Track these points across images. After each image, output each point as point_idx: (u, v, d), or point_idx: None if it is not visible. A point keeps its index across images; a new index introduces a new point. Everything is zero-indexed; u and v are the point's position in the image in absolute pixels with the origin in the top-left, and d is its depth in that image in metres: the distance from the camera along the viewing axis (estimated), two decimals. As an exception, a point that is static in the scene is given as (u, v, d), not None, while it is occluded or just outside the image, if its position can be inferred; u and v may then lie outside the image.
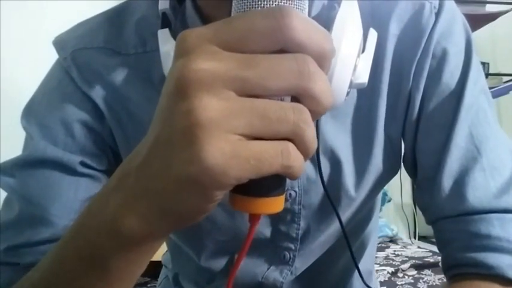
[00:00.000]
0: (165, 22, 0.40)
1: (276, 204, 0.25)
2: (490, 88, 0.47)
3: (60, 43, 0.49)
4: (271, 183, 0.24)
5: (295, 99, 0.23)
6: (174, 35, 0.38)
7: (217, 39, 0.22)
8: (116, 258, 0.27)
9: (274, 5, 0.24)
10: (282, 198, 0.26)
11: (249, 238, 0.27)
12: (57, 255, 0.30)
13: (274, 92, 0.22)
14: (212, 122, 0.21)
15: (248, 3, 0.24)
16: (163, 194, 0.23)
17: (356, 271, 0.60)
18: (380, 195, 0.60)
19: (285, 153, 0.22)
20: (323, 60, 0.23)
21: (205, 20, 0.43)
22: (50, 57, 0.50)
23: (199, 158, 0.21)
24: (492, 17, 1.87)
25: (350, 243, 0.50)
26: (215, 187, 0.22)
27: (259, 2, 0.24)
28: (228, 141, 0.21)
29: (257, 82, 0.22)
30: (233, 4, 0.25)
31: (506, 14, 1.87)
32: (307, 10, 0.26)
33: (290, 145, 0.23)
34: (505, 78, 2.13)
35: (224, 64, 0.22)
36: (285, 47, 0.22)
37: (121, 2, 0.51)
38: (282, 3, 0.24)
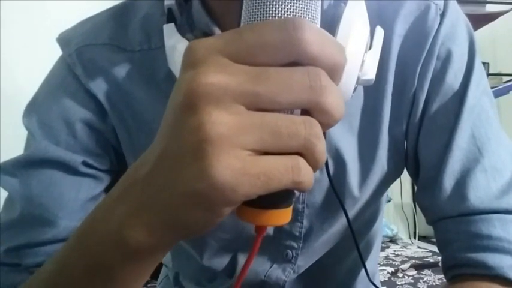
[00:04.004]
0: (171, 18, 0.40)
1: (283, 216, 0.25)
2: (490, 88, 0.47)
3: (64, 40, 0.48)
4: (280, 196, 0.24)
5: (305, 111, 0.23)
6: (180, 30, 0.38)
7: (227, 51, 0.22)
8: (119, 268, 0.26)
9: (286, 15, 0.23)
10: (290, 209, 0.26)
11: (254, 249, 0.26)
12: (60, 260, 0.30)
13: (285, 106, 0.22)
14: (222, 138, 0.20)
15: (259, 13, 0.23)
16: (170, 207, 0.23)
17: (360, 274, 0.60)
18: (385, 197, 0.59)
19: (295, 169, 0.22)
20: (335, 72, 0.23)
21: (212, 15, 0.42)
22: (51, 56, 0.49)
23: (208, 174, 0.21)
24: (492, 17, 1.87)
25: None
26: (223, 203, 0.22)
27: (271, 12, 0.23)
28: (238, 158, 0.21)
29: (268, 97, 0.21)
30: (243, 12, 0.24)
31: (506, 14, 1.87)
32: (319, 20, 0.25)
33: (300, 160, 0.22)
34: (505, 78, 2.13)
35: (234, 78, 0.21)
36: (297, 60, 0.22)
37: (122, 0, 0.51)
38: (295, 14, 0.23)
